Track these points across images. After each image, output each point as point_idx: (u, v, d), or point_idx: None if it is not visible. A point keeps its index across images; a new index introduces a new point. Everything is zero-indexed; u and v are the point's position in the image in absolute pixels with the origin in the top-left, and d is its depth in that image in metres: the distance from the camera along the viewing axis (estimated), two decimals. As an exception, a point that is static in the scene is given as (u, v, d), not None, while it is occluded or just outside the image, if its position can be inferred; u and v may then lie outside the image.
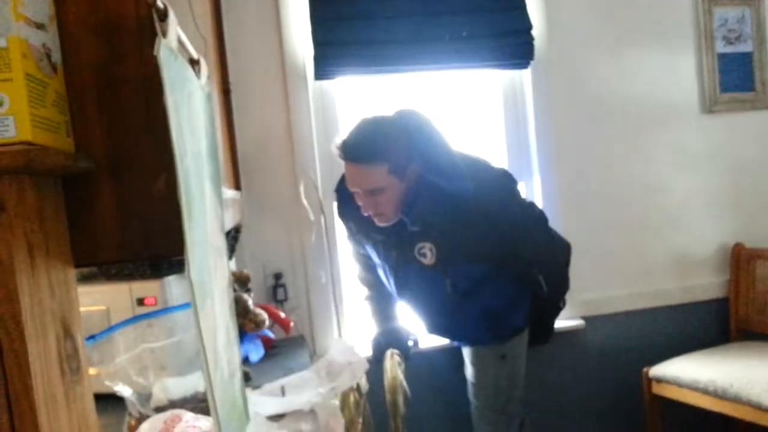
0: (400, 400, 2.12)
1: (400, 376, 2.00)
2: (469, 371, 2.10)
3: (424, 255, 1.89)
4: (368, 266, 2.13)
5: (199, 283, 0.74)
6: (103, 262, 0.73)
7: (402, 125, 1.86)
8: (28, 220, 0.61)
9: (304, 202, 2.29)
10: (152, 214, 0.72)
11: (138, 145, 0.72)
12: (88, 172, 0.71)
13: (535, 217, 2.06)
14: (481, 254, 1.91)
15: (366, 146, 1.82)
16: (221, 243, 0.98)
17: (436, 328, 2.11)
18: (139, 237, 0.73)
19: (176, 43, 0.72)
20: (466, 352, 2.11)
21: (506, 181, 2.02)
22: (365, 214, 1.90)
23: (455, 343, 2.19)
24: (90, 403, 0.69)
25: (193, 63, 0.86)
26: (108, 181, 0.72)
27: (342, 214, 2.08)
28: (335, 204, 2.11)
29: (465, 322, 2.01)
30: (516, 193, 2.05)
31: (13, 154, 0.58)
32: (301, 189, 2.29)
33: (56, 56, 0.69)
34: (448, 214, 1.86)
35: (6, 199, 0.59)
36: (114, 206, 0.72)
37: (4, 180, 0.59)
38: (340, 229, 2.25)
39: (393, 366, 1.99)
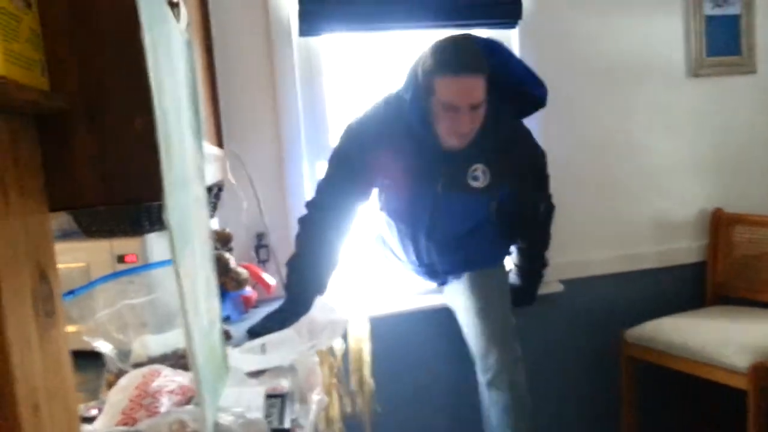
0: (366, 358, 2.17)
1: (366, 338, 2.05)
2: (475, 294, 2.14)
3: (476, 178, 1.98)
4: (340, 224, 1.99)
5: (179, 228, 0.73)
6: (80, 206, 0.71)
7: (481, 41, 1.92)
8: (1, 157, 0.59)
9: (285, 161, 2.27)
10: (130, 157, 0.70)
11: (115, 85, 0.69)
12: (64, 113, 0.69)
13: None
14: (524, 182, 2.09)
15: (478, 58, 1.83)
16: (201, 193, 0.96)
17: (451, 265, 2.17)
18: (117, 180, 0.71)
19: (154, -19, 0.70)
20: (469, 278, 2.17)
21: None
22: (454, 133, 1.87)
23: (463, 274, 2.20)
24: (64, 348, 0.69)
25: (172, 5, 0.84)
26: (84, 122, 0.70)
27: (374, 154, 1.95)
28: (358, 144, 1.97)
29: (484, 244, 2.15)
30: None
31: (-16, 87, 0.56)
32: (284, 147, 2.27)
33: (29, -9, 0.67)
34: (515, 124, 2.06)
35: (-23, 134, 0.57)
36: (90, 149, 0.70)
37: (-25, 115, 0.57)
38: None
39: (359, 328, 2.03)
